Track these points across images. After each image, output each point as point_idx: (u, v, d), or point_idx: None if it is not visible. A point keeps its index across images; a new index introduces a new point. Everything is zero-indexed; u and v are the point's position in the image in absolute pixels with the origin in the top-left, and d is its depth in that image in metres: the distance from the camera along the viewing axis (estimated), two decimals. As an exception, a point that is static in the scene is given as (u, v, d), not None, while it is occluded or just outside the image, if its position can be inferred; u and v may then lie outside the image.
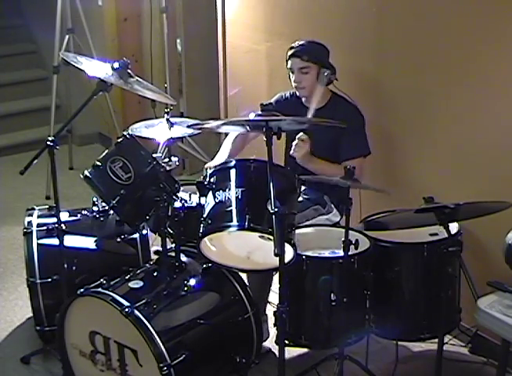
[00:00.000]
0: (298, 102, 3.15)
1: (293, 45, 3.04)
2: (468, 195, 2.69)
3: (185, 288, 2.60)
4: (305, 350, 3.00)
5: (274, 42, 3.84)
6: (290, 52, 3.04)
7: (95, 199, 3.13)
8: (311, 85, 3.03)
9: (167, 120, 2.97)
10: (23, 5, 6.41)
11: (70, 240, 2.93)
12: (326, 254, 2.70)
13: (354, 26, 3.36)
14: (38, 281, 2.94)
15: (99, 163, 2.71)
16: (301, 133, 2.90)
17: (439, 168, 3.12)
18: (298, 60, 3.01)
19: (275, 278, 2.86)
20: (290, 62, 3.04)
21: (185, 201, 2.72)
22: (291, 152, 2.94)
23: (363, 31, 3.31)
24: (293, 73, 3.05)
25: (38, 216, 3.11)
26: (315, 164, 2.97)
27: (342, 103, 3.09)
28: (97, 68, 2.81)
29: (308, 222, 2.99)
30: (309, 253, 2.67)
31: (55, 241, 2.79)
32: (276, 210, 2.11)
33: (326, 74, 3.00)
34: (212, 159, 3.17)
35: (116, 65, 2.77)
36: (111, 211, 3.01)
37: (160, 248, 2.72)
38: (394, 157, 3.34)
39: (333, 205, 3.12)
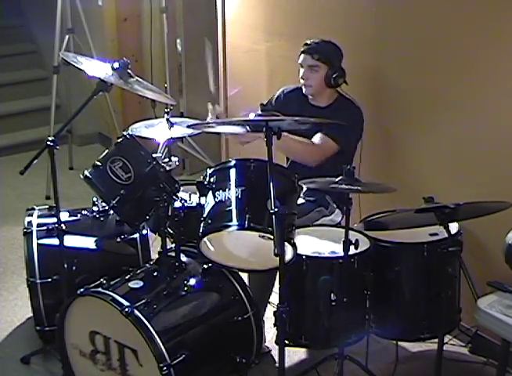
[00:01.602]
0: (304, 99, 3.13)
1: (307, 41, 3.04)
2: (468, 195, 2.68)
3: (185, 288, 2.60)
4: (305, 350, 3.00)
5: (274, 42, 3.84)
6: (303, 48, 3.03)
7: (95, 199, 3.13)
8: (317, 84, 3.03)
9: (167, 120, 2.97)
10: (23, 5, 6.41)
11: (70, 240, 2.92)
12: (326, 254, 2.70)
13: (354, 26, 3.36)
14: (38, 281, 2.95)
15: (98, 163, 2.70)
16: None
17: (439, 168, 3.12)
18: (309, 57, 3.00)
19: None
20: (301, 57, 3.04)
21: (185, 201, 2.72)
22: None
23: (363, 31, 3.31)
24: (302, 68, 3.05)
25: (38, 216, 3.11)
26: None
27: (347, 104, 3.07)
28: (97, 68, 2.80)
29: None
30: (309, 253, 2.67)
31: (55, 241, 2.79)
32: (276, 210, 2.11)
33: (334, 75, 3.00)
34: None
35: (116, 65, 2.77)
36: (111, 211, 3.01)
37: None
38: (394, 157, 3.33)
39: (335, 205, 3.12)
